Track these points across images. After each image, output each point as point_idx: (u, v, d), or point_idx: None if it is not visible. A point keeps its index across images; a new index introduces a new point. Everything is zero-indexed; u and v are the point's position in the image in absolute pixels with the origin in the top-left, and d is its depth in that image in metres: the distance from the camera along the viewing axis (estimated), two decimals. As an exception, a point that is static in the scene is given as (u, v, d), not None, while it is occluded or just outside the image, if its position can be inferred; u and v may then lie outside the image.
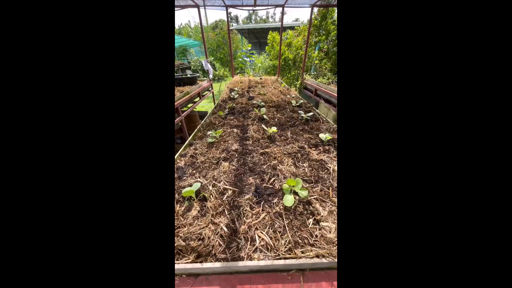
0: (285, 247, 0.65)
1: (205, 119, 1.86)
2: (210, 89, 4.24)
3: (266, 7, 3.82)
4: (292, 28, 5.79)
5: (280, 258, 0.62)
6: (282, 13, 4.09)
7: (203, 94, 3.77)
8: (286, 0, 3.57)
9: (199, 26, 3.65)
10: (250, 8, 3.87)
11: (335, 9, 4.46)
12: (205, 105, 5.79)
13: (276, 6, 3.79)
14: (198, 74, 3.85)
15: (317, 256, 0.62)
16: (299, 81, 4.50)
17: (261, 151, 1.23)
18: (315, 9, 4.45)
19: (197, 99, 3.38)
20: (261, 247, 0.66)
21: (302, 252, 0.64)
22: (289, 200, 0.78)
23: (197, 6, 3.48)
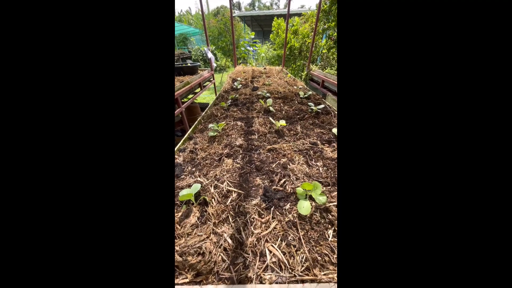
0: (302, 266, 0.54)
1: (206, 110, 1.71)
2: (212, 79, 4.03)
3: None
4: (298, 15, 5.39)
5: (297, 281, 0.51)
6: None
7: (204, 84, 3.59)
8: (294, -19, 3.25)
9: (200, 13, 3.39)
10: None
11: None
12: (206, 97, 5.59)
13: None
14: (199, 63, 3.62)
15: (342, 280, 0.51)
16: (305, 72, 4.26)
17: (269, 147, 1.10)
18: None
19: (198, 89, 3.21)
20: (272, 265, 0.55)
21: (325, 275, 0.52)
22: (304, 207, 0.66)
23: (197, -13, 3.19)
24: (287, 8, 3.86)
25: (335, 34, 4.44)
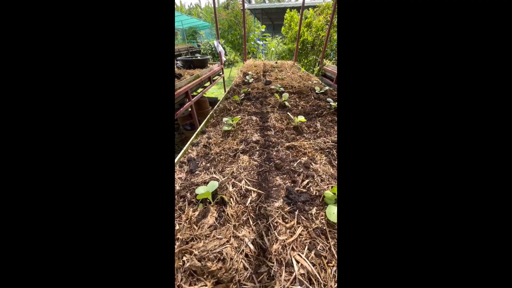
0: (335, 282, 0.48)
1: (218, 104, 1.65)
2: (221, 73, 3.96)
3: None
4: (312, 7, 5.12)
5: (331, 298, 0.45)
6: (305, -14, 3.54)
7: (214, 78, 3.52)
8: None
9: (210, 6, 3.27)
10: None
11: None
12: (214, 91, 5.54)
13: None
14: (208, 57, 3.55)
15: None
16: (317, 67, 4.07)
17: (287, 144, 1.02)
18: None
19: (208, 83, 3.15)
20: (301, 277, 0.49)
21: (361, 292, 0.45)
22: (335, 213, 0.59)
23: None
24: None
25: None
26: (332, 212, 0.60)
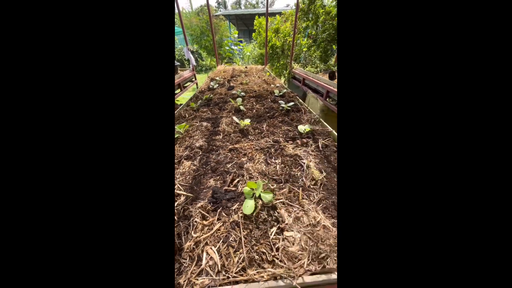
0: (238, 267, 0.53)
1: (175, 112, 1.66)
2: (193, 79, 3.94)
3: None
4: (281, 13, 5.41)
5: (229, 283, 0.50)
6: (267, -5, 3.76)
7: (185, 85, 3.49)
8: (270, -21, 3.25)
9: (183, 12, 3.29)
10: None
11: (324, -9, 4.16)
12: (188, 97, 5.44)
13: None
14: (178, 63, 3.52)
15: (274, 278, 0.51)
16: (288, 70, 4.29)
17: (230, 146, 1.08)
18: (303, -9, 4.15)
19: (178, 90, 3.11)
20: (208, 269, 0.53)
21: (258, 273, 0.52)
22: (249, 206, 0.65)
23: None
24: (265, 7, 3.86)
25: (314, 32, 4.51)
26: (247, 205, 0.66)
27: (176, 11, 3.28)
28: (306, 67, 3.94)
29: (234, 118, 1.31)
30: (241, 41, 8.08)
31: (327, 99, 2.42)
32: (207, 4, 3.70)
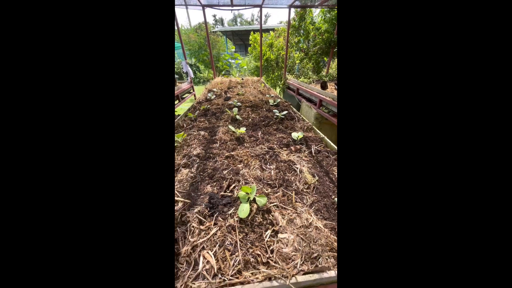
0: (233, 270, 0.55)
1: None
2: (191, 91, 4.07)
3: (244, 7, 3.76)
4: (273, 30, 5.80)
5: (225, 285, 0.51)
6: (261, 13, 4.06)
7: (183, 96, 3.60)
8: (263, 1, 3.54)
9: (182, 28, 3.52)
10: (227, 8, 3.79)
11: (313, 10, 4.53)
12: (186, 108, 5.56)
13: (254, 6, 3.74)
14: (176, 76, 3.67)
15: (269, 278, 0.52)
16: (282, 81, 4.49)
17: (227, 154, 1.12)
18: (293, 10, 4.49)
19: (176, 102, 3.20)
20: (205, 272, 0.55)
21: (252, 274, 0.53)
22: (244, 210, 0.68)
23: (170, 5, 3.32)
24: (259, 24, 4.15)
25: (305, 46, 4.81)
26: (242, 209, 0.68)
27: (176, 28, 3.51)
28: (300, 78, 4.15)
29: (230, 126, 1.37)
30: (236, 55, 8.48)
31: (321, 107, 2.53)
32: (205, 22, 3.96)
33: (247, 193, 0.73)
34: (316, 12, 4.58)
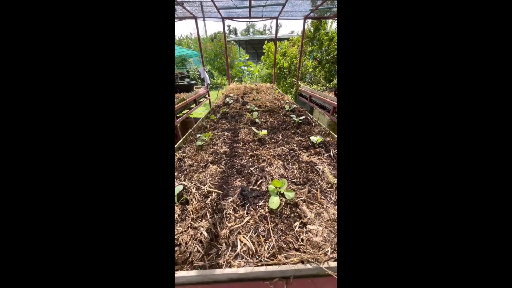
0: (268, 253, 0.61)
1: (197, 123, 1.84)
2: (207, 96, 4.29)
3: (261, 19, 3.99)
4: (287, 39, 6.04)
5: (262, 265, 0.57)
6: (277, 25, 4.28)
7: (200, 100, 3.81)
8: (279, 13, 3.74)
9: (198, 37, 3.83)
10: (246, 20, 4.04)
11: (327, 21, 4.69)
12: (202, 112, 5.82)
13: (271, 18, 3.96)
14: (194, 82, 3.92)
15: (302, 262, 0.58)
16: (294, 88, 4.60)
17: (251, 153, 1.20)
18: (309, 21, 4.67)
19: (193, 105, 3.40)
20: (242, 253, 0.61)
21: (286, 258, 0.59)
22: (274, 202, 0.75)
23: (194, 17, 3.62)
24: (275, 34, 4.36)
25: (319, 55, 4.93)
26: (272, 201, 0.75)
27: (196, 35, 3.76)
28: (312, 85, 4.23)
29: (253, 128, 1.46)
30: (249, 63, 8.83)
31: (334, 114, 2.57)
32: (223, 31, 4.24)
33: (276, 186, 0.80)
34: (330, 23, 4.73)
